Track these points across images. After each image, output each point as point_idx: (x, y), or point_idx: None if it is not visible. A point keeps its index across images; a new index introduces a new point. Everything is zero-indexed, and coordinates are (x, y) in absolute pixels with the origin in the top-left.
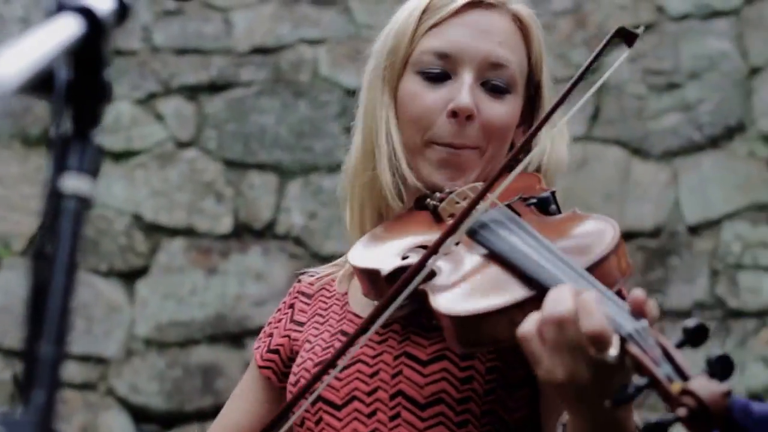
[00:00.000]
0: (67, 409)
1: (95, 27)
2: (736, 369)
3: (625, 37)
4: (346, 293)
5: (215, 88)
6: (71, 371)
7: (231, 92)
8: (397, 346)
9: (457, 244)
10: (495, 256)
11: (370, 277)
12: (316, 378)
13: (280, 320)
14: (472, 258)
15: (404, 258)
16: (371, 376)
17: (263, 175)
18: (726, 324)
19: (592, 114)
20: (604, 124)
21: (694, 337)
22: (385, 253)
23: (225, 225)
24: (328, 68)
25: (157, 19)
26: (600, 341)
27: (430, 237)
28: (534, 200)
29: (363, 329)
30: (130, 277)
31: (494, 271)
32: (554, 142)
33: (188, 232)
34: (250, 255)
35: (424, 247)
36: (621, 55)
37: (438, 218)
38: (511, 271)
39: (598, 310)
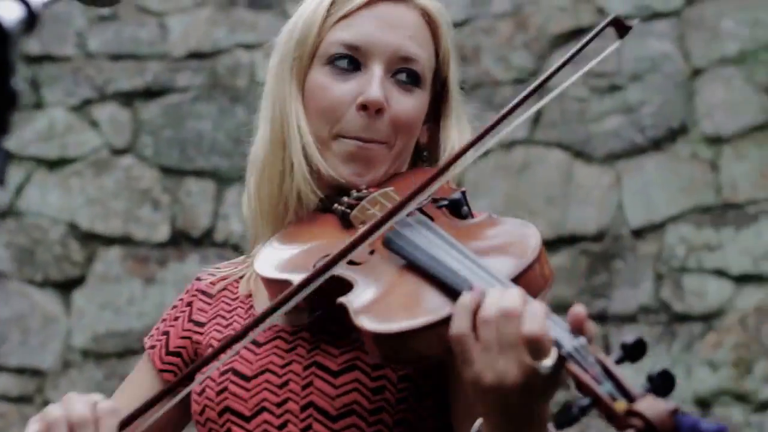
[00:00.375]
0: (3, 423)
1: (1, 35)
2: (676, 384)
3: (617, 27)
4: (250, 295)
5: (151, 93)
6: (7, 384)
7: (167, 98)
8: (307, 356)
9: (371, 253)
10: (415, 267)
11: (281, 287)
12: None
13: (176, 318)
14: (389, 269)
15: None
16: (281, 386)
17: (201, 182)
18: (671, 328)
19: (533, 117)
20: (546, 128)
21: (633, 353)
22: (295, 263)
23: (162, 233)
24: (266, 73)
25: (91, 24)
26: (539, 347)
27: (337, 243)
28: (445, 202)
29: (250, 327)
30: (66, 287)
31: (415, 282)
32: (460, 135)
33: (125, 241)
34: (188, 263)
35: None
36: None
37: (347, 224)
38: (433, 284)
39: (543, 316)
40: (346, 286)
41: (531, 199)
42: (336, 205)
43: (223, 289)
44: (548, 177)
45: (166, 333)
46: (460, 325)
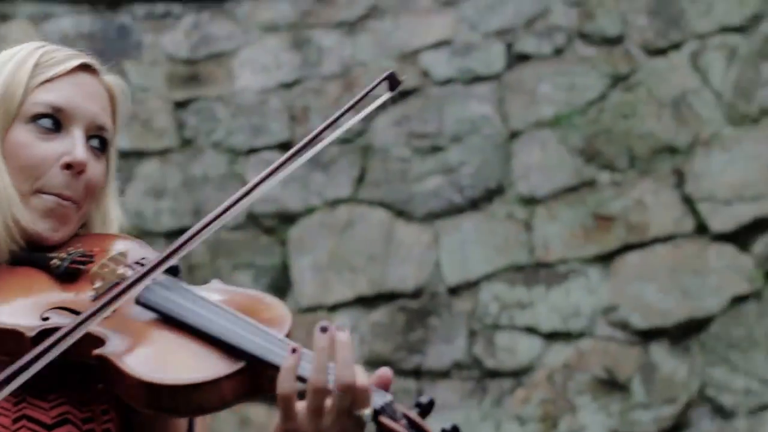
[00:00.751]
0: None
1: None
2: None
3: (391, 82)
4: None
5: None
6: None
7: None
8: (14, 408)
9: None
10: (174, 322)
11: (11, 337)
12: None
13: None
14: (141, 323)
15: (45, 319)
16: None
17: None
18: (483, 384)
19: (357, 176)
20: (370, 186)
21: (426, 408)
22: (17, 312)
23: None
24: None
25: None
26: (366, 396)
27: (62, 296)
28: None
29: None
30: None
31: (179, 337)
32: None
33: None
34: None
35: (65, 308)
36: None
37: (66, 278)
38: (203, 340)
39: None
40: (98, 342)
41: (353, 257)
42: (55, 259)
43: None
44: (370, 235)
45: None
46: (287, 387)
